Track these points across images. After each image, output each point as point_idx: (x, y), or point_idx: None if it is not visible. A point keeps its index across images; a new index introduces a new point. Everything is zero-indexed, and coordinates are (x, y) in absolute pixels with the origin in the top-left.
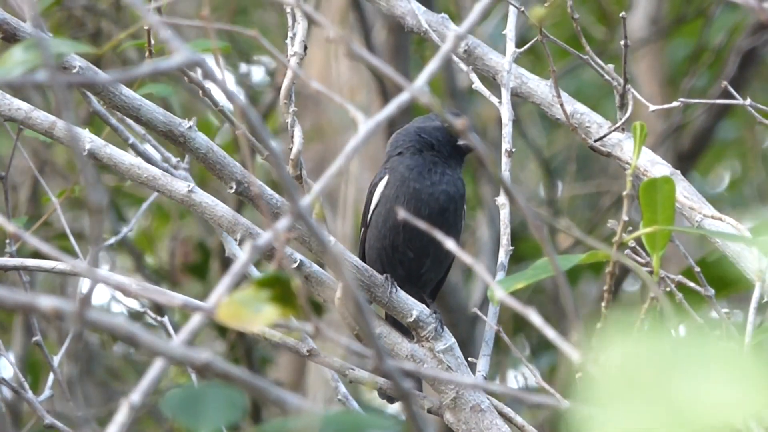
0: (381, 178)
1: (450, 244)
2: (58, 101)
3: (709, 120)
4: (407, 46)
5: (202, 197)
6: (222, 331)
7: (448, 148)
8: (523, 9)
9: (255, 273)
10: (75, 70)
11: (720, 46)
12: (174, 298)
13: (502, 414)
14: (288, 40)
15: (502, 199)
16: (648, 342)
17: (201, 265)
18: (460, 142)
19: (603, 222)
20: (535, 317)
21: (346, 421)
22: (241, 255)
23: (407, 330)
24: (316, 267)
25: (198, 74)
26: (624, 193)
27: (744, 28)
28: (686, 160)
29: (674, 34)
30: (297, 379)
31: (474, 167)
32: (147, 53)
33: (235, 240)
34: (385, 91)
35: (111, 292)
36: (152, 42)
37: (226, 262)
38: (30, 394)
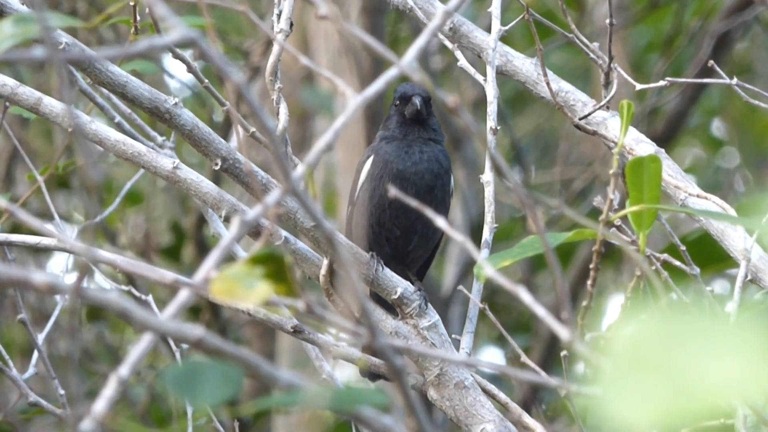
0: (368, 157)
1: (440, 222)
2: (58, 78)
3: (683, 104)
4: (382, 29)
5: (187, 173)
6: (195, 312)
7: (403, 128)
8: None
9: (240, 252)
10: (62, 46)
11: (694, 29)
12: (165, 275)
13: (485, 391)
14: (274, 17)
15: (487, 177)
16: (654, 321)
17: (174, 246)
18: (406, 114)
19: (573, 207)
20: (525, 295)
21: (342, 396)
22: (229, 230)
23: (391, 307)
24: (301, 243)
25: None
26: (611, 171)
27: (717, 12)
28: (660, 144)
29: (639, 22)
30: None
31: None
32: (132, 29)
33: (220, 217)
34: (362, 73)
35: (95, 269)
36: (137, 18)
37: (201, 245)
38: (14, 371)
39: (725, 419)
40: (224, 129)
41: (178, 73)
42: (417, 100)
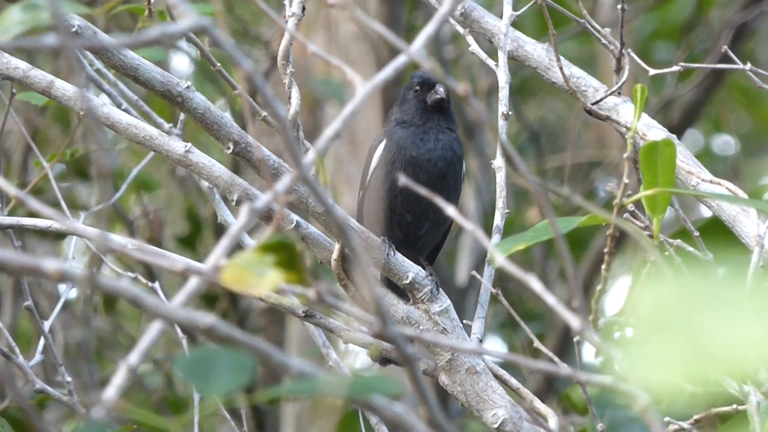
0: (380, 142)
1: (451, 210)
2: (70, 63)
3: (699, 94)
4: (400, 17)
5: (199, 157)
6: (210, 301)
7: (424, 115)
8: None
9: (248, 241)
10: (74, 29)
11: (712, 20)
12: (176, 261)
13: (497, 376)
14: (286, 1)
15: (498, 162)
16: (678, 286)
17: (192, 235)
18: (428, 101)
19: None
20: (535, 283)
21: (356, 385)
22: (239, 217)
23: (403, 292)
24: (312, 228)
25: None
26: (625, 155)
27: (735, 2)
28: (675, 133)
29: (648, 11)
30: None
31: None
32: (147, 12)
33: (231, 201)
34: (381, 61)
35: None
36: (152, 11)
37: (219, 232)
38: (21, 358)
39: (738, 405)
40: (242, 119)
41: (189, 62)
42: (442, 89)
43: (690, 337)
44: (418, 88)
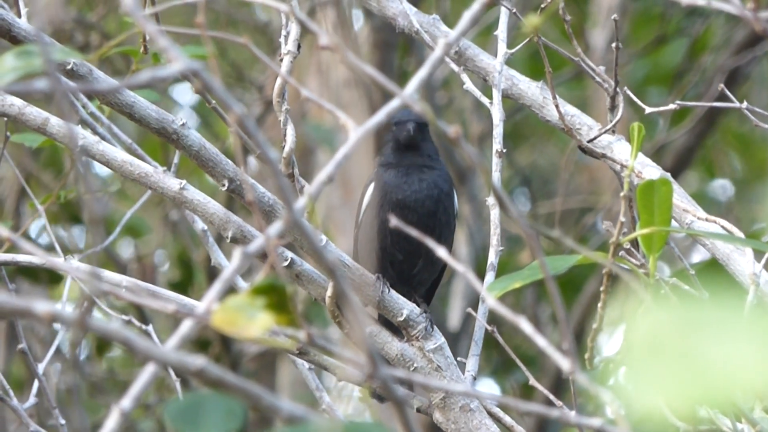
0: (370, 182)
1: (442, 252)
2: (60, 108)
3: (691, 139)
4: (392, 63)
5: (194, 194)
6: (203, 346)
7: (398, 154)
8: (515, 10)
9: (241, 284)
10: (69, 67)
11: (705, 65)
12: (167, 302)
13: (491, 414)
14: (282, 39)
15: (492, 200)
16: (676, 310)
17: (184, 280)
18: (400, 139)
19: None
20: (525, 325)
21: (350, 428)
22: (232, 261)
23: (398, 329)
24: (306, 265)
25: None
26: (621, 194)
27: (728, 47)
28: None
29: (641, 57)
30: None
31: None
32: (142, 49)
33: (227, 238)
34: (373, 106)
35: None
36: (147, 48)
37: (212, 277)
38: (15, 401)
39: None
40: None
41: (186, 102)
42: (410, 126)
43: (688, 361)
44: (394, 128)
